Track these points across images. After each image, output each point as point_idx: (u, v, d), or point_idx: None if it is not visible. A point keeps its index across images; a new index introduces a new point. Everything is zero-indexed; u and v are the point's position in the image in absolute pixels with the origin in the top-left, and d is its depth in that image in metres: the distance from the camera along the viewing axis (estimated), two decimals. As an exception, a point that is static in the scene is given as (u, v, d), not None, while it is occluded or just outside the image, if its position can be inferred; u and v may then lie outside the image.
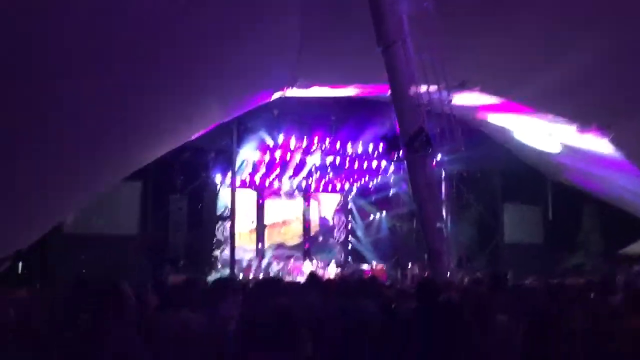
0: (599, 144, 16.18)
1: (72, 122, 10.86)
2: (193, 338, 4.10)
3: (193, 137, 17.29)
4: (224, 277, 16.42)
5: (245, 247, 25.49)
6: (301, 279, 21.27)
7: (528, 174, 21.30)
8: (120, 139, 12.21)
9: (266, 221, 27.05)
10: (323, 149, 22.84)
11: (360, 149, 22.97)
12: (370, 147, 22.75)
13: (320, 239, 29.22)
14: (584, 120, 15.31)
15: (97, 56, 9.55)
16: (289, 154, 23.07)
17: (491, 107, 17.27)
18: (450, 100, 12.18)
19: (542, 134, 18.14)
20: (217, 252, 24.25)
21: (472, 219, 22.43)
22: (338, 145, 22.66)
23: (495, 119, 18.40)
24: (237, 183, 23.78)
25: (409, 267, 23.53)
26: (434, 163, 13.16)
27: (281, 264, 24.56)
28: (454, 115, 12.15)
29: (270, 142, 22.05)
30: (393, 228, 26.13)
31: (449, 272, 11.71)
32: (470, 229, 21.53)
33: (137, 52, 10.31)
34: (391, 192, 25.87)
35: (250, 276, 21.65)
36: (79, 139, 11.38)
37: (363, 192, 27.74)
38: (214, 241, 24.11)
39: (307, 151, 23.04)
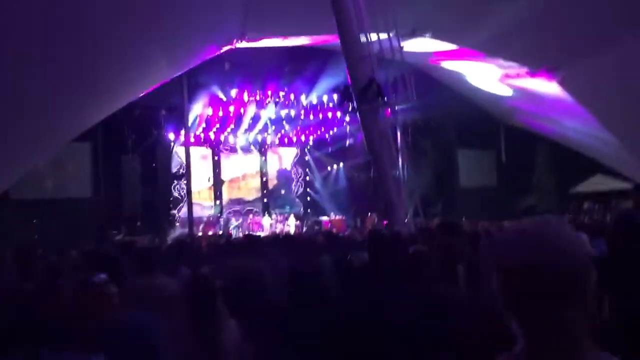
0: (549, 87, 16.57)
1: (15, 83, 10.61)
2: (170, 302, 3.92)
3: (142, 94, 16.97)
4: (182, 237, 16.43)
5: (204, 204, 25.81)
6: (261, 233, 21.53)
7: (481, 119, 21.54)
8: (65, 99, 11.93)
9: (224, 177, 27.16)
10: (277, 101, 22.63)
11: (314, 101, 22.89)
12: (325, 98, 22.66)
13: (279, 192, 29.45)
14: (534, 62, 15.40)
15: (40, 14, 9.27)
16: (242, 109, 22.80)
17: (442, 53, 17.26)
18: (402, 48, 12.20)
19: (494, 78, 18.58)
20: (174, 211, 24.30)
21: (428, 167, 22.76)
22: (292, 98, 22.58)
23: (448, 64, 18.35)
24: (192, 139, 23.56)
25: (368, 216, 24.02)
26: (387, 112, 13.21)
27: (240, 220, 25.05)
28: (406, 63, 12.20)
29: (222, 96, 21.82)
30: (351, 179, 26.52)
31: (404, 222, 11.96)
32: (427, 177, 21.79)
33: (83, 11, 10.04)
34: (347, 143, 26.11)
35: (210, 233, 21.64)
36: (23, 101, 11.11)
37: (320, 144, 28.01)
38: (171, 199, 24.05)
39: (261, 104, 22.77)
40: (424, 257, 4.04)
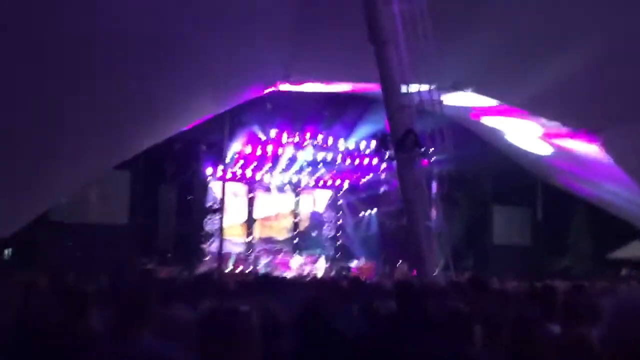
0: (590, 148, 16.17)
1: (62, 109, 10.92)
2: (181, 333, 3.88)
3: (184, 129, 17.20)
4: (207, 272, 16.43)
5: (235, 240, 25.62)
6: (288, 273, 21.52)
7: (519, 176, 21.30)
8: (110, 127, 12.16)
9: (257, 215, 26.99)
10: (315, 144, 22.87)
11: (352, 146, 23.00)
12: (362, 144, 22.77)
13: (310, 234, 29.44)
14: (576, 123, 15.26)
15: (91, 46, 9.61)
16: (280, 149, 22.99)
17: (483, 108, 17.24)
18: (442, 101, 12.27)
19: (534, 136, 18.46)
20: (205, 245, 24.47)
21: (462, 220, 22.50)
22: (330, 141, 22.78)
23: (487, 120, 18.33)
24: (228, 176, 23.91)
25: (398, 265, 23.76)
26: (423, 162, 13.21)
27: (269, 258, 24.78)
28: (445, 116, 12.25)
29: (262, 136, 22.08)
30: (383, 226, 26.16)
31: (434, 273, 11.82)
32: (460, 230, 21.56)
33: (131, 43, 10.37)
34: (382, 190, 25.88)
35: (238, 269, 21.79)
36: (69, 126, 11.41)
37: (354, 189, 27.66)
38: (203, 233, 24.26)
39: (298, 146, 22.99)
40: (462, 316, 3.91)
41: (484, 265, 20.79)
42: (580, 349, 2.72)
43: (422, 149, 11.97)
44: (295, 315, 3.76)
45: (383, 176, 25.11)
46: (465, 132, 17.45)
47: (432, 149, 12.34)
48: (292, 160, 24.11)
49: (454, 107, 14.78)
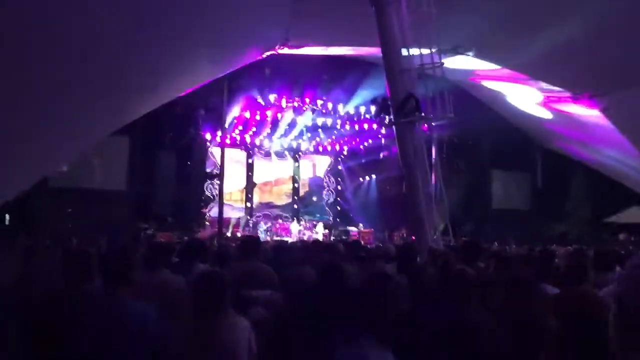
0: (591, 113, 15.82)
1: (59, 74, 10.78)
2: (171, 298, 4.19)
3: (182, 94, 16.97)
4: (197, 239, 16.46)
5: (234, 206, 25.95)
6: (288, 239, 21.55)
7: (518, 141, 21.11)
8: (109, 92, 11.90)
9: (256, 180, 26.96)
10: (314, 109, 22.63)
11: (351, 111, 22.73)
12: (362, 109, 22.53)
13: (310, 199, 29.47)
14: (578, 88, 15.02)
15: (89, 9, 9.44)
16: (279, 114, 22.87)
17: (484, 72, 16.94)
18: (443, 64, 12.11)
19: (534, 101, 18.31)
20: (205, 210, 24.12)
21: (461, 185, 22.40)
22: (330, 106, 22.55)
23: (488, 84, 18.02)
24: (227, 141, 23.77)
25: (397, 231, 23.80)
26: (423, 128, 13.11)
27: (269, 224, 24.91)
28: (446, 80, 12.11)
29: (261, 101, 21.84)
30: (382, 192, 26.19)
31: (433, 238, 11.86)
32: (459, 195, 21.52)
33: (130, 7, 10.18)
34: (381, 155, 25.78)
35: (238, 234, 21.75)
36: (67, 91, 11.27)
37: (353, 154, 27.69)
38: (202, 198, 24.24)
39: (298, 111, 22.85)
40: (466, 279, 3.94)
41: (483, 231, 20.66)
42: (583, 305, 2.74)
43: (422, 114, 11.88)
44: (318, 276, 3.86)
45: (383, 142, 25.11)
46: (465, 97, 17.11)
47: (432, 113, 12.27)
48: (292, 125, 24.08)
49: (455, 70, 14.47)
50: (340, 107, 22.66)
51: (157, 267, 4.85)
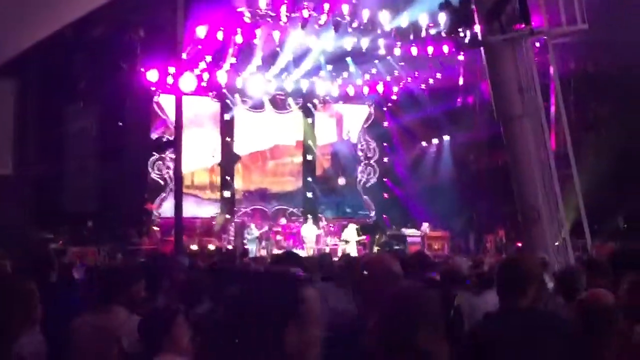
0: None
1: None
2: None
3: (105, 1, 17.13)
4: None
5: (202, 196, 25.79)
6: (300, 251, 21.22)
7: None
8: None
9: (239, 150, 26.66)
10: (338, 21, 21.36)
11: (404, 24, 21.45)
12: (422, 20, 21.28)
13: (334, 182, 29.07)
14: None
15: None
16: (276, 32, 21.65)
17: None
18: None
19: None
20: (151, 205, 23.54)
21: (604, 151, 21.58)
22: (365, 16, 21.25)
23: None
24: (187, 83, 23.24)
25: (492, 232, 23.14)
26: (535, 49, 12.50)
27: (265, 227, 24.31)
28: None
29: (244, 11, 20.17)
30: (462, 165, 26.07)
31: (554, 246, 11.39)
32: (601, 168, 20.63)
33: None
34: (459, 101, 25.52)
35: (211, 247, 21.33)
36: None
37: (409, 101, 26.81)
38: (145, 186, 23.72)
39: (310, 27, 21.71)
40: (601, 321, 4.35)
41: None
42: None
43: (532, 25, 11.40)
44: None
45: (461, 78, 24.74)
46: None
47: (550, 23, 11.73)
48: (299, 53, 23.17)
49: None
50: (383, 17, 21.27)
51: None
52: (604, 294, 4.78)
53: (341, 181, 26.62)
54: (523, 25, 11.12)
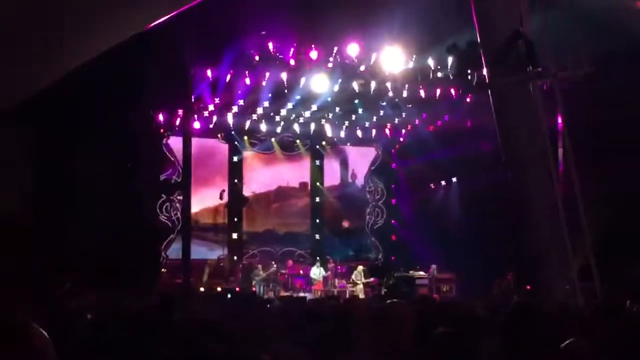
0: None
1: None
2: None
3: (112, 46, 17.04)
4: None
5: (209, 238, 25.57)
6: (307, 294, 21.17)
7: None
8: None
9: (247, 192, 26.71)
10: (346, 63, 21.19)
11: (413, 65, 20.74)
12: (430, 62, 20.78)
13: (341, 223, 29.04)
14: None
15: None
16: (285, 73, 21.16)
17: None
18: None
19: None
20: (160, 248, 23.44)
21: (614, 192, 21.33)
22: (373, 58, 20.73)
23: None
24: (196, 125, 22.44)
25: (500, 276, 22.39)
26: (544, 90, 12.54)
27: (272, 268, 24.06)
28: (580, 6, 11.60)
29: (252, 51, 19.86)
30: (470, 207, 25.29)
31: (564, 289, 11.37)
32: (611, 209, 20.48)
33: None
34: (467, 144, 24.43)
35: (218, 288, 21.19)
36: None
37: (417, 143, 26.71)
38: (154, 227, 22.93)
39: (317, 66, 21.43)
40: None
41: None
42: None
43: (541, 68, 11.44)
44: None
45: (469, 120, 23.94)
46: (618, 31, 15.72)
47: (560, 64, 11.78)
48: (307, 94, 22.76)
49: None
50: (391, 60, 20.60)
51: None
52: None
53: (345, 224, 26.44)
54: (530, 68, 11.07)
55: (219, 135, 24.40)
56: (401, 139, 26.25)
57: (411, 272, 23.87)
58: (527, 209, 11.01)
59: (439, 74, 20.87)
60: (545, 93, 12.18)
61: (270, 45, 19.53)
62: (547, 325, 6.25)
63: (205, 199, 24.86)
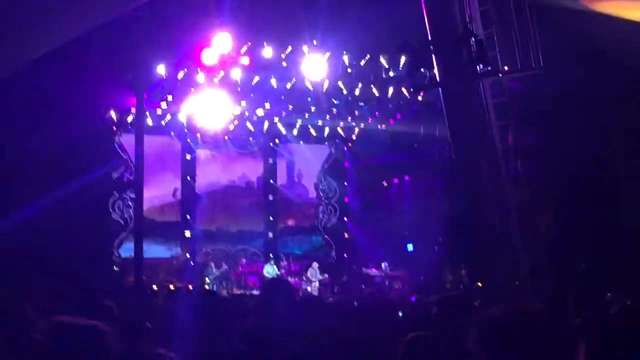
0: None
1: None
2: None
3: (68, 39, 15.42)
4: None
5: (162, 236, 25.70)
6: (257, 292, 21.17)
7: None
8: None
9: (200, 190, 26.94)
10: (297, 60, 21.42)
11: (363, 63, 21.54)
12: (382, 60, 21.32)
13: (293, 221, 28.80)
14: None
15: None
16: (236, 70, 21.34)
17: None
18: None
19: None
20: (112, 247, 23.58)
21: (563, 193, 21.39)
22: (326, 56, 20.85)
23: (608, 7, 15.91)
24: (149, 122, 22.05)
25: (452, 272, 22.90)
26: (487, 89, 12.64)
27: (224, 267, 24.29)
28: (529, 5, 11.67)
29: (209, 52, 20.14)
30: (420, 205, 25.87)
31: (511, 282, 11.48)
32: (560, 209, 20.51)
33: None
34: (416, 143, 25.93)
35: (171, 287, 21.22)
36: None
37: (369, 141, 27.07)
38: (107, 224, 23.34)
39: (267, 64, 21.64)
40: None
41: (605, 267, 18.86)
42: None
43: (489, 66, 11.52)
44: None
45: (420, 119, 24.65)
46: (568, 34, 16.36)
47: (507, 62, 11.88)
48: (260, 90, 23.00)
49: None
50: (344, 57, 21.30)
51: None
52: None
53: (290, 222, 26.60)
54: (480, 67, 11.14)
55: (172, 133, 23.88)
56: (354, 137, 26.05)
57: (364, 269, 23.87)
58: (478, 204, 11.07)
59: (391, 73, 21.23)
60: (494, 91, 12.24)
61: (225, 41, 18.74)
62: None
63: (158, 197, 24.90)
